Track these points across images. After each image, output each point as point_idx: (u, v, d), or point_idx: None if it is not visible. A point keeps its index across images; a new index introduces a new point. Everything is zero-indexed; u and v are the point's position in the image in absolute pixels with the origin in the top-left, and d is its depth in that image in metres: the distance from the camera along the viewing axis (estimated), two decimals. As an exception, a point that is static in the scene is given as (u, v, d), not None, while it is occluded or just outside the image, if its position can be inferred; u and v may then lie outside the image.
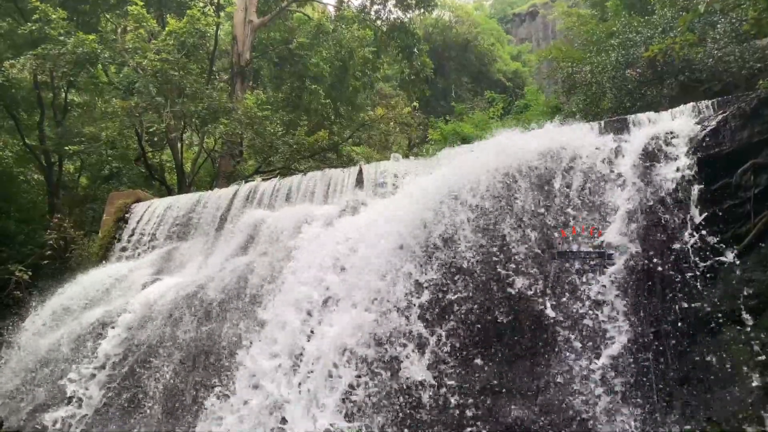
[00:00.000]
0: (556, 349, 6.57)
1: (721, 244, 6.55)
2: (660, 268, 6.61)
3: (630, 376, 6.12)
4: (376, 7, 25.46)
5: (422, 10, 26.57)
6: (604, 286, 6.75)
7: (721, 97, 8.79)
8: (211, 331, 8.40)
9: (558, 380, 6.37)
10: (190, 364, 8.11)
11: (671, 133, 7.69)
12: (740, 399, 5.64)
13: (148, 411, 7.80)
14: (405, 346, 6.95)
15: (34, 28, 16.50)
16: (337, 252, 8.26)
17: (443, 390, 6.60)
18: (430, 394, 6.61)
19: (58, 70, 16.67)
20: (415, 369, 6.75)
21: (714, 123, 7.33)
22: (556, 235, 7.41)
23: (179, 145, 19.30)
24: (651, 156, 7.58)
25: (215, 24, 21.03)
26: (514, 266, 7.25)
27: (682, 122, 7.98)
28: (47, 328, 10.08)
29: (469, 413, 6.38)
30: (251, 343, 7.75)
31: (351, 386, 6.81)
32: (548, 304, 6.86)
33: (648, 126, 8.48)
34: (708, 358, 5.99)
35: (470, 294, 7.20)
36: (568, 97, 19.51)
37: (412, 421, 6.49)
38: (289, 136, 19.58)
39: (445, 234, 7.74)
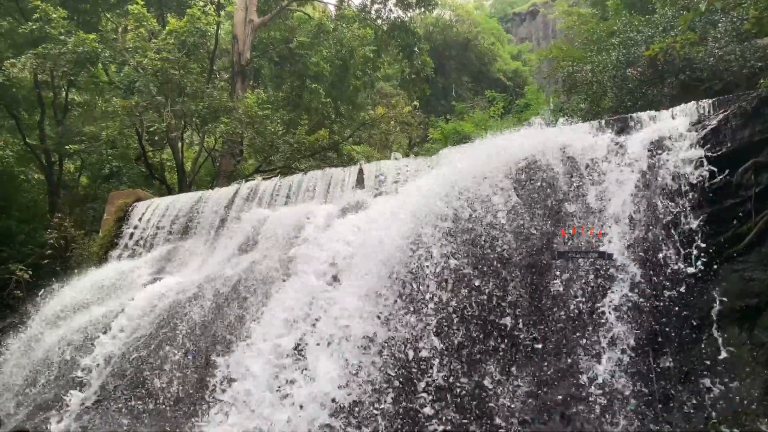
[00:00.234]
0: (556, 347, 6.58)
1: (722, 243, 6.55)
2: (660, 268, 6.60)
3: (630, 376, 6.12)
4: (376, 6, 25.45)
5: (423, 10, 26.58)
6: (604, 285, 6.75)
7: (722, 96, 8.79)
8: (211, 330, 8.40)
9: (558, 379, 6.37)
10: (190, 363, 8.12)
11: (672, 131, 7.68)
12: (741, 399, 5.64)
13: (149, 409, 7.80)
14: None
15: (34, 27, 16.53)
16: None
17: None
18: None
19: (59, 69, 16.67)
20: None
21: (715, 122, 7.33)
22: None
23: (180, 144, 19.31)
24: (651, 154, 7.58)
25: (216, 23, 21.03)
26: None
27: (682, 121, 7.98)
28: (48, 327, 10.09)
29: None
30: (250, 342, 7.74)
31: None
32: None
33: (649, 125, 8.48)
34: (708, 358, 5.99)
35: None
36: (568, 96, 19.49)
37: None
38: (289, 136, 19.59)
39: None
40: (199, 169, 21.00)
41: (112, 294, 10.52)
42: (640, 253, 6.78)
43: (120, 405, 7.95)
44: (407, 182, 10.32)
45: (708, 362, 5.98)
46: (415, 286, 7.26)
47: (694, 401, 5.83)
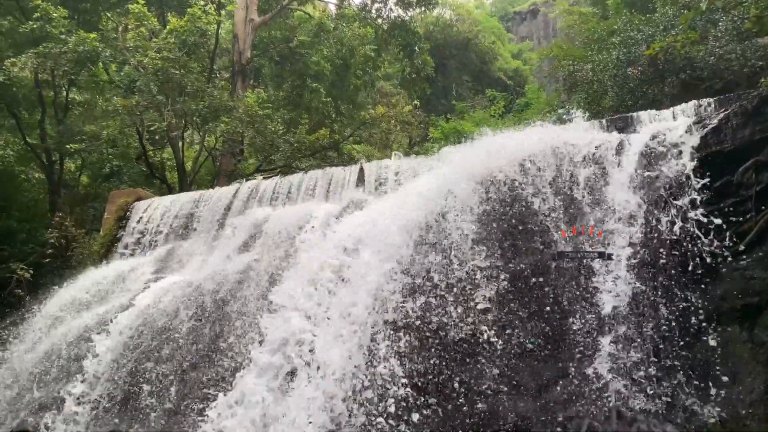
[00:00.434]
0: (557, 348, 6.58)
1: (723, 242, 6.55)
2: (661, 267, 6.60)
3: (631, 375, 6.12)
4: (377, 5, 25.46)
5: (423, 9, 26.56)
6: (605, 284, 6.75)
7: (722, 95, 8.80)
8: (212, 329, 8.41)
9: (558, 378, 6.37)
10: (191, 362, 8.12)
11: (673, 130, 7.69)
12: (743, 398, 5.64)
13: (149, 409, 7.81)
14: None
15: (35, 26, 16.54)
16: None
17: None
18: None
19: (59, 68, 16.68)
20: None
21: (716, 121, 7.32)
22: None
23: (180, 143, 19.32)
24: (652, 154, 7.58)
25: (216, 22, 21.03)
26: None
27: (683, 120, 7.98)
28: (49, 326, 10.10)
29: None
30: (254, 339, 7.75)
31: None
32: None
33: (649, 124, 8.48)
34: (710, 357, 5.99)
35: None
36: (569, 95, 19.50)
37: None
38: (290, 135, 19.60)
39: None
40: (200, 168, 21.01)
41: (113, 293, 10.53)
42: (641, 252, 6.78)
43: (121, 404, 7.95)
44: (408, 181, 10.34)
45: (709, 361, 5.98)
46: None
47: (695, 401, 5.83)
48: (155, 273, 11.01)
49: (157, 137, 19.29)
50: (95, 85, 20.09)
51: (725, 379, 5.82)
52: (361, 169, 11.73)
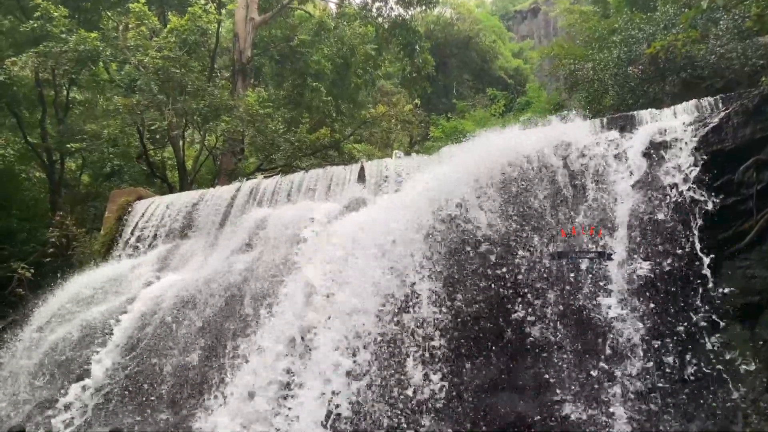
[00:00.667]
0: (556, 347, 6.58)
1: (724, 241, 6.54)
2: (662, 266, 6.60)
3: (631, 374, 6.12)
4: (377, 4, 25.43)
5: (423, 7, 26.53)
6: (606, 284, 6.75)
7: (723, 94, 8.79)
8: (213, 328, 8.42)
9: (559, 379, 6.37)
10: (191, 361, 8.13)
11: (674, 129, 7.68)
12: (743, 397, 5.64)
13: (151, 407, 7.82)
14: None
15: (35, 25, 16.53)
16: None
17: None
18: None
19: (60, 67, 16.67)
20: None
21: (717, 120, 7.32)
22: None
23: (181, 142, 19.29)
24: (653, 154, 7.57)
25: (217, 21, 21.01)
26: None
27: (684, 119, 7.97)
28: (50, 326, 10.09)
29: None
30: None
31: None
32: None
33: (650, 123, 8.47)
34: (710, 356, 5.99)
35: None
36: (570, 94, 19.49)
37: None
38: (290, 134, 19.58)
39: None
40: (200, 167, 20.98)
41: (114, 292, 10.52)
42: (642, 251, 6.78)
43: (123, 401, 7.96)
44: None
45: (710, 360, 5.98)
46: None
47: (696, 399, 5.83)
48: (156, 272, 11.00)
49: (157, 136, 19.25)
50: (96, 84, 20.08)
51: (726, 378, 5.82)
52: (362, 168, 11.73)
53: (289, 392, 6.81)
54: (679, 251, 6.62)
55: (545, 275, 7.13)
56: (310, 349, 7.08)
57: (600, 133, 8.63)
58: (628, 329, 6.35)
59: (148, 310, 9.17)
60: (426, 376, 6.63)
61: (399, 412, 6.42)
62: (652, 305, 6.42)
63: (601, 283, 6.79)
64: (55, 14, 16.50)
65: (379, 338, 6.94)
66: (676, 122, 7.92)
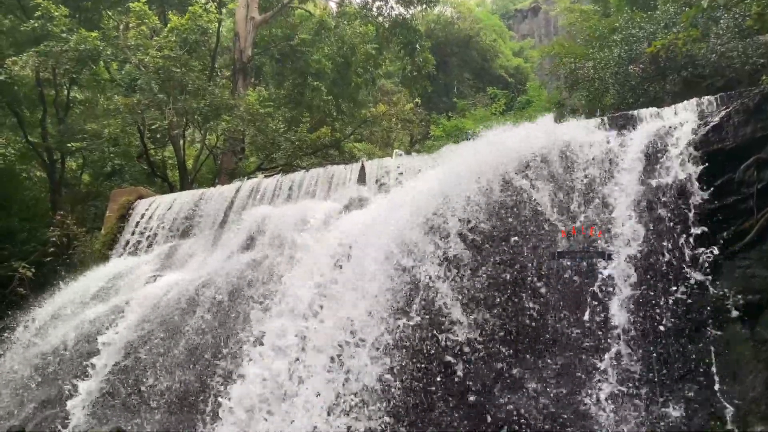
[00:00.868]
0: (560, 343, 6.58)
1: (724, 240, 6.54)
2: (663, 265, 6.60)
3: (633, 373, 6.12)
4: (378, 3, 25.42)
5: (424, 6, 26.52)
6: (607, 282, 6.75)
7: (724, 92, 8.77)
8: (214, 327, 8.42)
9: (562, 375, 6.37)
10: (192, 360, 8.14)
11: (674, 128, 7.67)
12: (744, 395, 5.64)
13: (151, 406, 7.83)
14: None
15: (36, 25, 16.53)
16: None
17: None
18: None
19: (61, 67, 16.67)
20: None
21: (717, 119, 7.31)
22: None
23: (181, 142, 19.30)
24: (653, 153, 7.57)
25: (217, 21, 21.01)
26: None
27: (685, 118, 7.96)
28: (50, 325, 10.11)
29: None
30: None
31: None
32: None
33: (651, 122, 8.46)
34: (711, 354, 5.98)
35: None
36: (570, 93, 19.47)
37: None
38: (291, 133, 19.59)
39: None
40: (201, 166, 20.98)
41: (115, 291, 10.53)
42: (642, 251, 6.78)
43: (124, 401, 7.97)
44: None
45: (710, 360, 5.97)
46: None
47: (697, 398, 5.82)
48: (157, 271, 11.01)
49: (158, 136, 19.26)
50: (96, 84, 20.06)
51: (727, 376, 5.82)
52: (363, 167, 11.74)
53: (289, 392, 6.82)
54: (679, 250, 6.62)
55: (545, 272, 7.14)
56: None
57: (599, 131, 8.62)
58: (628, 329, 6.34)
59: (149, 310, 9.17)
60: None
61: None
62: (651, 304, 6.41)
63: (599, 282, 6.79)
64: (56, 14, 16.50)
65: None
66: (677, 121, 7.92)
